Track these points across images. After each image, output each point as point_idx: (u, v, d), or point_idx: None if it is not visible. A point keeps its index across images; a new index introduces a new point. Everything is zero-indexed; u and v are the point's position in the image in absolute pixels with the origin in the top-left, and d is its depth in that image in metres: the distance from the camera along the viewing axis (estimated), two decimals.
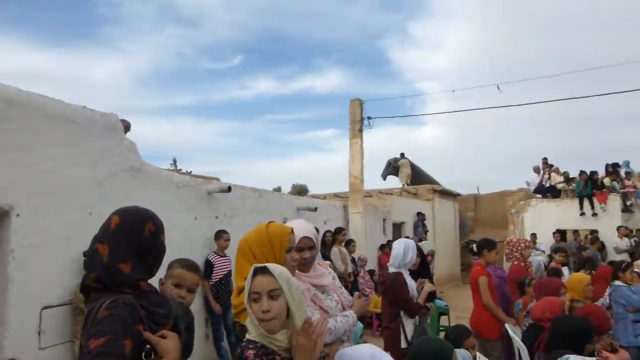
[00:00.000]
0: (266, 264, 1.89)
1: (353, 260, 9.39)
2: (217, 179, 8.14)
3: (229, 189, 6.90)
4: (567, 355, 2.77)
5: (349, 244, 9.42)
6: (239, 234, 2.39)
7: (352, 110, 11.72)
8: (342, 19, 67.13)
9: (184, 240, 5.98)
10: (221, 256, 6.49)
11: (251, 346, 1.82)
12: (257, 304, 1.80)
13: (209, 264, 6.38)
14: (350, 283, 8.87)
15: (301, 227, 2.52)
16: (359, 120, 11.53)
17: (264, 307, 1.78)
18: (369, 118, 11.48)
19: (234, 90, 65.94)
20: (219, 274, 6.40)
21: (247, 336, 1.88)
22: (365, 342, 2.83)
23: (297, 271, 2.37)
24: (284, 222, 2.63)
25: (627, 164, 16.26)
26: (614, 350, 4.05)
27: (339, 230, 9.17)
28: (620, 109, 38.23)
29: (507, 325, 4.85)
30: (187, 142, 57.45)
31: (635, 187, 15.30)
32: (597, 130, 48.28)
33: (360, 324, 2.80)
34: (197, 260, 6.23)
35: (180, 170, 16.81)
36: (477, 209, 21.27)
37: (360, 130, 11.52)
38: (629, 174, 15.87)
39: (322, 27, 66.95)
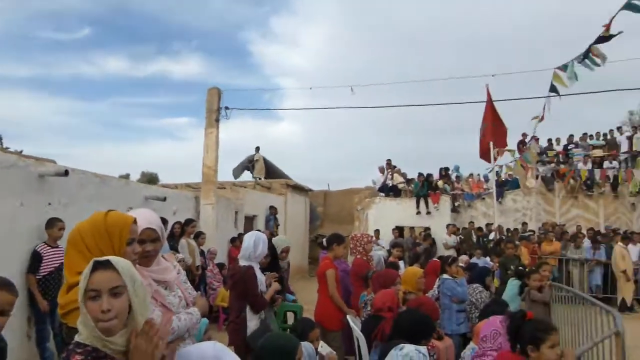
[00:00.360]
0: (109, 257, 1.69)
1: (202, 253, 9.13)
2: (53, 162, 7.30)
3: (66, 172, 6.22)
4: (402, 345, 2.95)
5: (199, 236, 9.14)
6: (75, 224, 2.11)
7: (209, 98, 11.38)
8: (204, 4, 65.12)
9: (5, 229, 5.25)
10: (53, 247, 5.82)
11: (79, 350, 1.62)
12: (96, 302, 1.60)
13: (36, 256, 5.68)
14: (197, 277, 8.61)
15: (144, 218, 2.33)
16: (215, 110, 11.24)
17: (104, 306, 1.59)
18: (227, 108, 11.26)
19: (80, 66, 60.06)
20: (48, 266, 5.73)
21: (77, 338, 1.66)
22: (210, 337, 2.73)
23: (137, 265, 2.18)
24: (128, 211, 2.40)
25: (457, 168, 18.25)
26: (440, 338, 4.48)
27: (188, 222, 8.85)
28: (454, 118, 42.76)
29: (348, 317, 5.07)
30: (19, 118, 51.04)
31: (463, 189, 17.20)
32: (434, 136, 53.47)
33: (205, 320, 2.69)
34: (23, 252, 5.58)
35: (8, 149, 14.89)
36: (326, 204, 22.12)
37: (217, 120, 11.25)
38: (458, 178, 17.81)
39: (183, 10, 64.18)
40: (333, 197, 22.26)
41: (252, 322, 3.95)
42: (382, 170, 17.55)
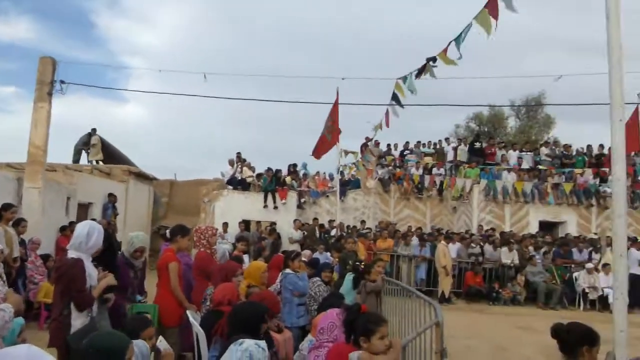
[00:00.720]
0: None
1: (22, 242, 8.12)
2: None
3: None
4: (241, 340, 2.91)
5: (19, 223, 8.10)
6: None
7: (41, 68, 10.17)
8: None
9: None
10: None
11: None
12: None
13: None
14: (15, 269, 7.62)
15: None
16: (49, 82, 10.08)
17: None
18: (62, 82, 10.16)
19: None
20: None
21: None
22: (25, 340, 2.41)
23: None
24: None
25: (304, 166, 18.81)
26: (280, 331, 4.54)
27: (7, 207, 7.78)
28: (304, 116, 44.09)
29: (188, 312, 4.90)
30: None
31: (309, 186, 17.79)
32: (284, 132, 54.54)
33: (19, 320, 2.36)
34: None
35: None
36: (172, 195, 21.23)
37: (50, 94, 10.09)
38: (305, 175, 18.37)
39: None
40: (179, 187, 21.44)
41: (78, 321, 3.55)
42: (231, 163, 17.37)
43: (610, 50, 3.30)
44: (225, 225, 14.47)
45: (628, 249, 11.44)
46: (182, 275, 5.33)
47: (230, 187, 16.78)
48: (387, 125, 11.44)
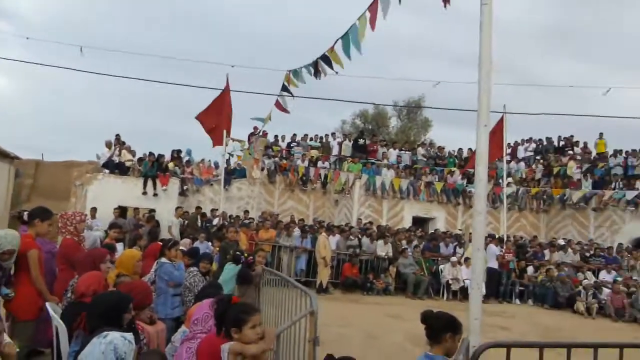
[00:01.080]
0: None
1: None
2: None
3: None
4: (106, 332, 2.74)
5: None
6: None
7: None
8: None
9: None
10: None
11: None
12: None
13: None
14: None
15: None
16: None
17: None
18: None
19: None
20: None
21: None
22: None
23: None
24: None
25: (189, 152, 18.22)
26: (152, 322, 4.34)
27: None
28: (190, 101, 42.58)
29: (48, 304, 4.49)
30: None
31: (192, 174, 17.25)
32: (169, 116, 52.37)
33: None
34: None
35: None
36: (37, 176, 19.39)
37: None
38: (189, 162, 17.80)
39: None
40: (46, 168, 19.64)
41: None
42: (109, 145, 16.29)
43: (481, 62, 3.57)
44: (94, 210, 13.45)
45: (488, 244, 12.72)
46: (44, 263, 4.89)
47: (107, 170, 15.72)
48: (287, 111, 11.36)
